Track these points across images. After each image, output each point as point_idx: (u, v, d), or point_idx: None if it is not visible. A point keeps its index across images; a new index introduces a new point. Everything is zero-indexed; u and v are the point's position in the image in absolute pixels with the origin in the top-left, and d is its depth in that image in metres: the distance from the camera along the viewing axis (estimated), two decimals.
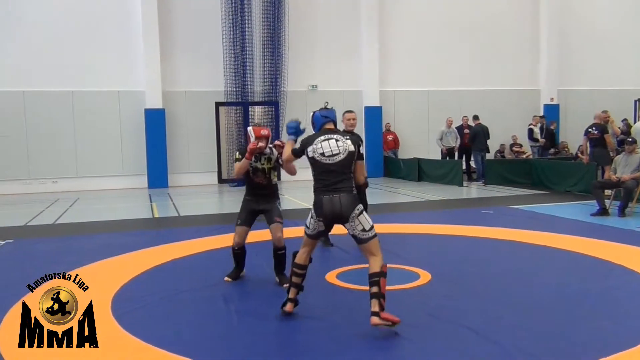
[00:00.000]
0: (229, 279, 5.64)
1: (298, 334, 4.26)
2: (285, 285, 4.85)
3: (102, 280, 5.66)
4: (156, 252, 7.03)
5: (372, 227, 4.18)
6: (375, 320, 4.01)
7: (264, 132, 5.30)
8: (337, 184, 4.19)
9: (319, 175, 4.28)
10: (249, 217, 5.54)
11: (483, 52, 18.11)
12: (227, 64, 15.57)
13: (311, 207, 4.34)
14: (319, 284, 5.46)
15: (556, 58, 18.66)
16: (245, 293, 5.34)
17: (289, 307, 4.47)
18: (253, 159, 5.33)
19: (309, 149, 4.32)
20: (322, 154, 4.25)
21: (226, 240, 7.76)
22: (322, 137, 4.33)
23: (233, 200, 13.24)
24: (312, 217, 4.34)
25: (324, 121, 4.45)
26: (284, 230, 5.51)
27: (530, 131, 16.74)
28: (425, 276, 5.63)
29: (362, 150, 4.41)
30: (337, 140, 4.28)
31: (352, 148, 4.26)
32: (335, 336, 4.12)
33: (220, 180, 16.28)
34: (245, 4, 15.58)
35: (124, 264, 6.47)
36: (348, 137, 4.33)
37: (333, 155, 4.22)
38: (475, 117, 15.36)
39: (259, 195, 5.51)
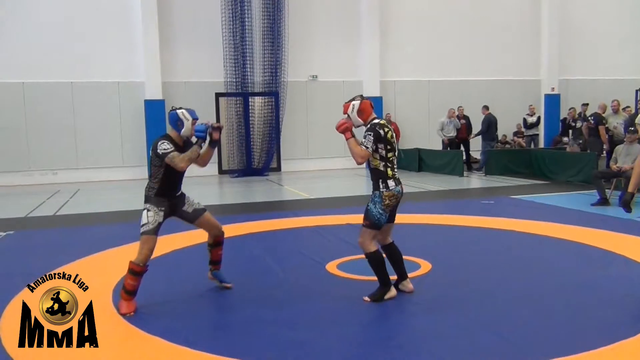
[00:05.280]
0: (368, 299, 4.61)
1: (298, 325, 4.24)
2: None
3: (103, 272, 5.67)
4: (157, 242, 7.00)
5: (143, 224, 4.62)
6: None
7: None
8: None
9: None
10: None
11: (484, 42, 18.02)
12: (227, 55, 15.52)
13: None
14: (320, 275, 5.47)
15: (557, 48, 18.57)
16: (246, 282, 5.32)
17: None
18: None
19: None
20: None
21: (226, 230, 7.76)
22: None
23: (233, 191, 13.25)
24: None
25: None
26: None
27: (525, 121, 16.87)
28: (425, 266, 5.63)
29: (161, 149, 4.59)
30: None
31: (151, 154, 4.64)
32: (336, 328, 4.12)
33: (221, 171, 16.26)
34: None
35: (125, 255, 6.43)
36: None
37: None
38: (485, 107, 15.31)
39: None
